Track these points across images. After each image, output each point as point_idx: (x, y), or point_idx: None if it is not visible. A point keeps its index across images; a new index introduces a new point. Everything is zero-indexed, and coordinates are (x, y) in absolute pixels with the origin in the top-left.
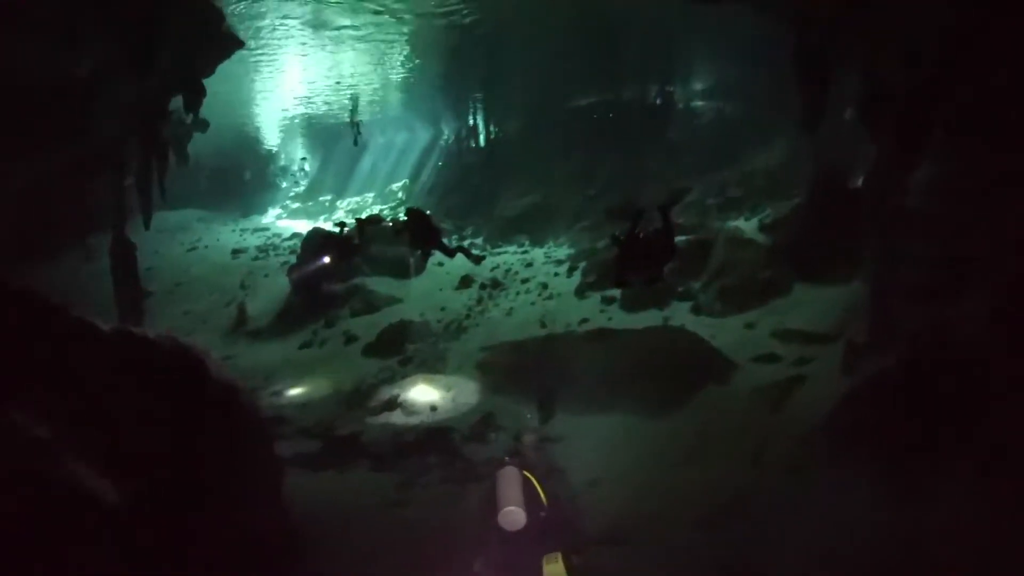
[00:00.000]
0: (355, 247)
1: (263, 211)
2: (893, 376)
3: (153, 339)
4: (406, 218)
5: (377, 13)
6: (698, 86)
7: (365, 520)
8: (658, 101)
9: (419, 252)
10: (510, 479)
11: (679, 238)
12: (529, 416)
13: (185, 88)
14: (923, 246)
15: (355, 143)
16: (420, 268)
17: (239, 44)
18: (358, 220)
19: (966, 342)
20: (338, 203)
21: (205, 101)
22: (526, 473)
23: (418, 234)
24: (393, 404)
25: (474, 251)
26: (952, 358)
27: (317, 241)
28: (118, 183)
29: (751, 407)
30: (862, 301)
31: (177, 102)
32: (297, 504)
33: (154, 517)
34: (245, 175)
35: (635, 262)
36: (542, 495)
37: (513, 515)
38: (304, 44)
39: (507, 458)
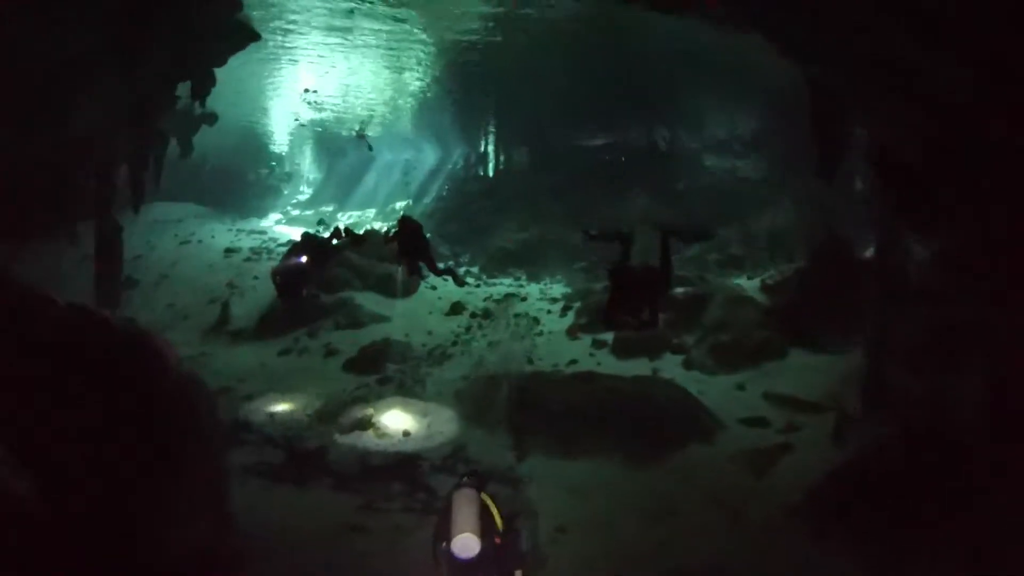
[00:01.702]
0: (334, 249)
1: (263, 215)
2: (885, 453)
3: (110, 321)
4: (398, 226)
5: (398, 21)
6: (711, 139)
7: (317, 542)
8: (669, 149)
9: (406, 264)
10: (466, 502)
11: (677, 289)
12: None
13: (194, 75)
14: (922, 323)
15: (369, 148)
16: (412, 288)
17: (255, 37)
18: (337, 228)
19: (962, 423)
20: (339, 215)
21: (216, 95)
22: (483, 496)
23: (408, 244)
24: (365, 424)
25: (468, 279)
26: (947, 438)
27: (298, 242)
28: (111, 166)
29: (734, 470)
30: (857, 373)
31: (185, 89)
32: (248, 517)
33: (80, 517)
34: (249, 176)
35: (628, 297)
36: (498, 520)
37: (466, 542)
38: (321, 47)
39: (464, 478)
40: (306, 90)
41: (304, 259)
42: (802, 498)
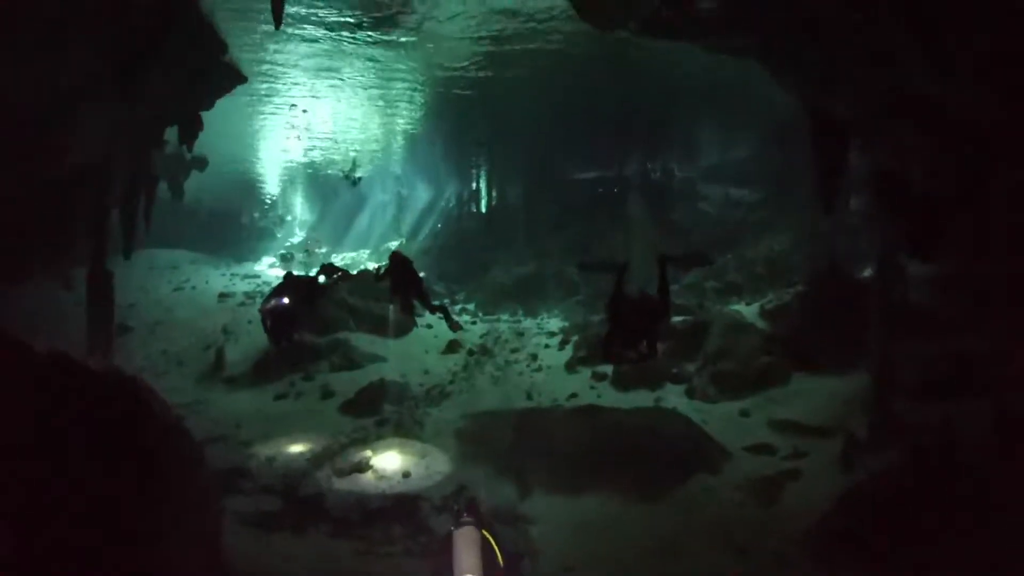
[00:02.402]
0: (321, 289)
1: (257, 258)
2: (895, 478)
3: (90, 367)
4: (388, 262)
5: (387, 54)
6: (706, 168)
7: None
8: (661, 179)
9: (399, 301)
10: (467, 541)
11: (676, 318)
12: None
13: (180, 118)
14: (928, 343)
15: (356, 182)
16: (407, 327)
17: (241, 80)
18: (323, 266)
19: (972, 446)
20: (332, 256)
21: (207, 142)
22: (484, 532)
23: (400, 280)
24: (364, 467)
25: (464, 318)
26: (957, 462)
27: (281, 283)
28: (101, 209)
29: (742, 500)
30: (862, 395)
31: (173, 134)
32: (244, 567)
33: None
34: (242, 220)
35: (626, 330)
36: (499, 556)
37: None
38: (309, 87)
39: (464, 515)
40: (292, 105)
41: (287, 301)
42: (810, 525)
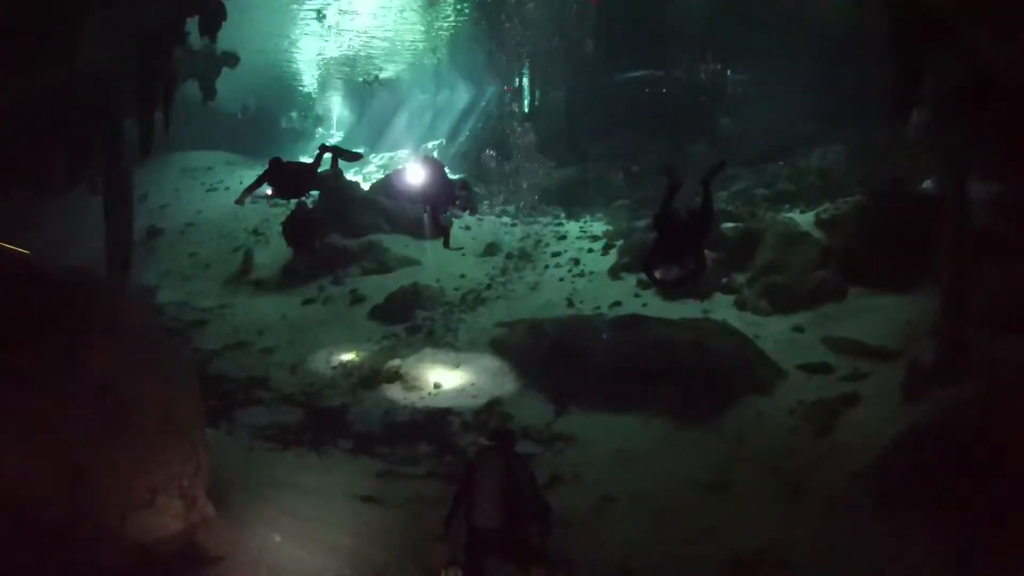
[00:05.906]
0: (317, 178)
1: (295, 158)
2: (966, 412)
3: (45, 271)
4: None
5: None
6: (755, 74)
7: (326, 518)
8: (711, 83)
9: (428, 211)
10: (489, 469)
11: (726, 224)
12: None
13: (200, 8)
14: (1001, 269)
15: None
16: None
17: None
18: (321, 147)
19: None
20: (371, 157)
21: (243, 41)
22: (510, 458)
23: (428, 189)
24: (392, 376)
25: (505, 218)
26: None
27: (265, 170)
28: (112, 111)
29: (796, 425)
30: (926, 317)
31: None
32: (253, 488)
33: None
34: (280, 122)
35: (672, 247)
36: (525, 485)
37: (486, 513)
38: None
39: (490, 440)
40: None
41: (270, 192)
42: (871, 461)
